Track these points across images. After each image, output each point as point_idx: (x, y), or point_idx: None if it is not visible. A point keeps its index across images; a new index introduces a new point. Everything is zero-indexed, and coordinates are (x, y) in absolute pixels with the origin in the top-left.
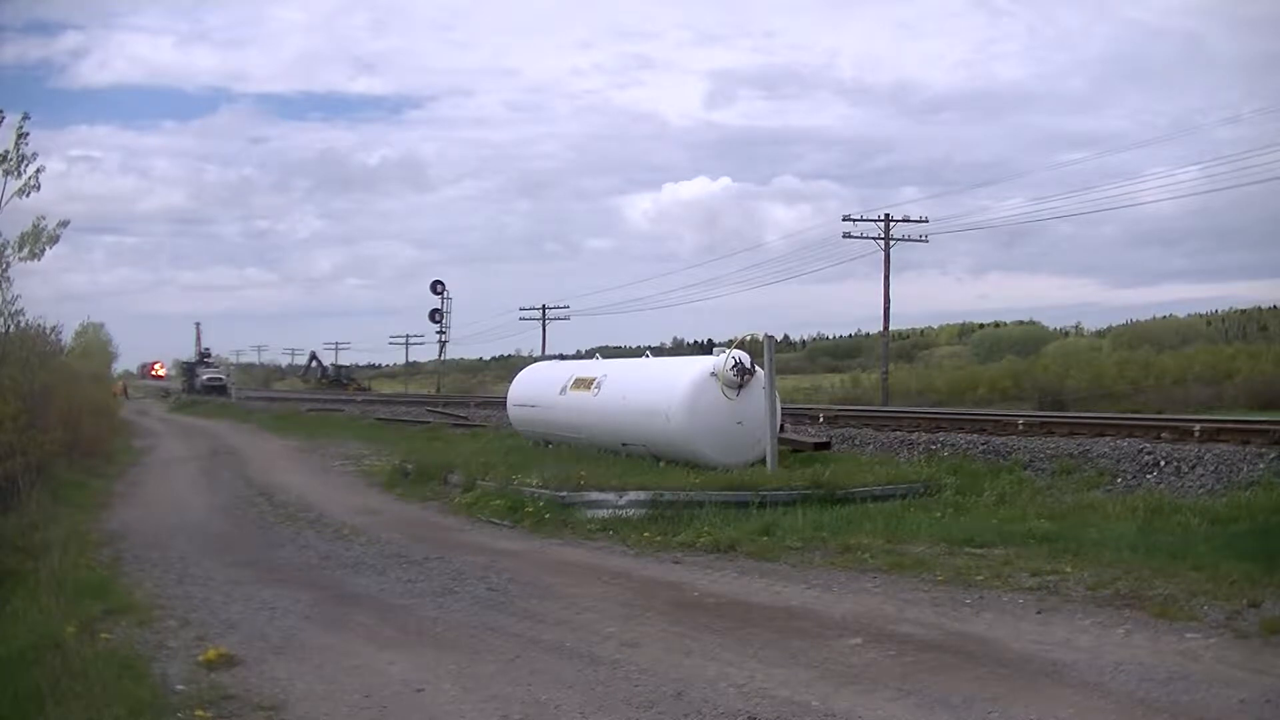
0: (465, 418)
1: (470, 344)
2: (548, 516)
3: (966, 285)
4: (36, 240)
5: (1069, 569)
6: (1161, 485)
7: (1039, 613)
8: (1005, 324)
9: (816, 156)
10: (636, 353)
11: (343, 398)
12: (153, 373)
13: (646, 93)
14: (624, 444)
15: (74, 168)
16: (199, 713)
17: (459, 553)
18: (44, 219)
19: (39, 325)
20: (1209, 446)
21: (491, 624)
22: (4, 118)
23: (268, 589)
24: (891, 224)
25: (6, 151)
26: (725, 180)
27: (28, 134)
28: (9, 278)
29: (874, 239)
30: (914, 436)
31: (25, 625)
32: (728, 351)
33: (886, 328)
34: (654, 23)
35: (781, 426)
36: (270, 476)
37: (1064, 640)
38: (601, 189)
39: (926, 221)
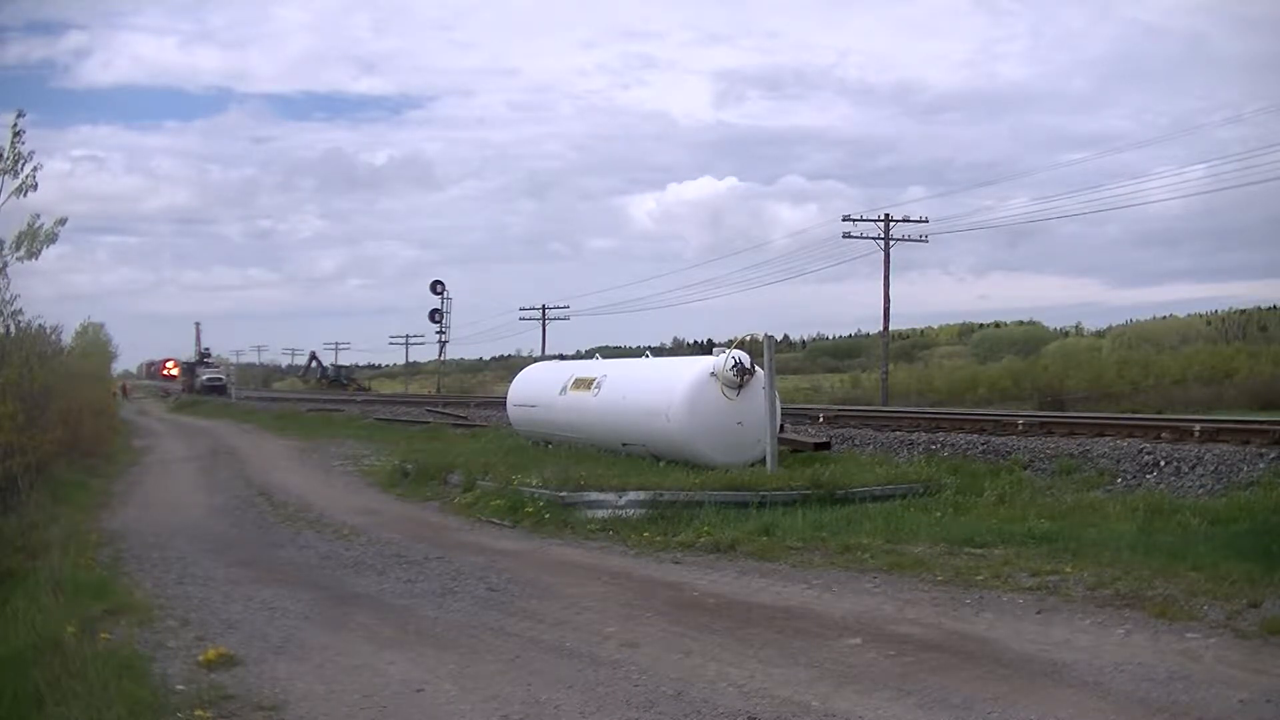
0: (465, 418)
1: (470, 344)
2: (548, 516)
3: (969, 285)
4: (33, 240)
5: (1069, 569)
6: (1161, 485)
7: (1039, 613)
8: (1005, 324)
9: (820, 156)
10: (636, 353)
11: (343, 398)
12: (164, 372)
13: (650, 93)
14: (624, 444)
15: (78, 168)
16: (199, 713)
17: (459, 553)
18: (38, 217)
19: (39, 325)
20: (1209, 446)
21: (491, 624)
22: None
23: (267, 589)
24: (891, 224)
25: (1, 150)
26: (731, 180)
27: (23, 132)
28: (7, 276)
29: (874, 239)
30: (914, 436)
31: (25, 625)
32: (728, 351)
33: (886, 328)
34: (657, 23)
35: (781, 426)
36: (270, 476)
37: (1064, 640)
38: (605, 189)
39: (926, 221)
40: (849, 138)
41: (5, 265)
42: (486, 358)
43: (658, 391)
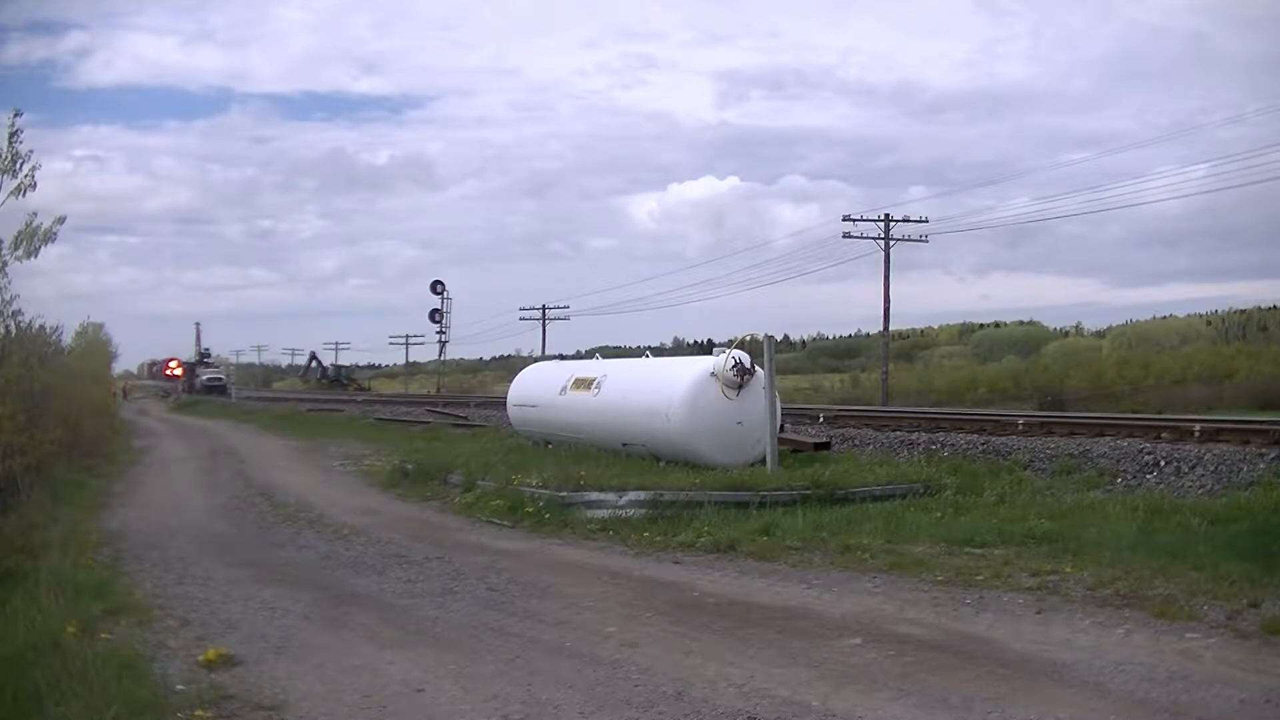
0: (465, 418)
1: (470, 344)
2: (548, 516)
3: (969, 285)
4: (32, 239)
5: (1069, 569)
6: (1161, 485)
7: (1039, 613)
8: (1005, 324)
9: (821, 156)
10: (636, 353)
11: (343, 398)
12: (167, 371)
13: (651, 93)
14: (624, 444)
15: (79, 167)
16: (199, 713)
17: (459, 553)
18: (35, 216)
19: (39, 325)
20: (1209, 446)
21: (491, 624)
22: None
23: (267, 589)
24: (892, 224)
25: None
26: (733, 180)
27: (21, 131)
28: (7, 276)
29: (874, 239)
30: (914, 436)
31: (25, 625)
32: (728, 351)
33: (886, 328)
34: (657, 23)
35: (781, 426)
36: (270, 476)
37: (1064, 640)
38: (605, 189)
39: (927, 221)
40: (850, 137)
41: (5, 265)
42: (486, 358)
43: (658, 391)
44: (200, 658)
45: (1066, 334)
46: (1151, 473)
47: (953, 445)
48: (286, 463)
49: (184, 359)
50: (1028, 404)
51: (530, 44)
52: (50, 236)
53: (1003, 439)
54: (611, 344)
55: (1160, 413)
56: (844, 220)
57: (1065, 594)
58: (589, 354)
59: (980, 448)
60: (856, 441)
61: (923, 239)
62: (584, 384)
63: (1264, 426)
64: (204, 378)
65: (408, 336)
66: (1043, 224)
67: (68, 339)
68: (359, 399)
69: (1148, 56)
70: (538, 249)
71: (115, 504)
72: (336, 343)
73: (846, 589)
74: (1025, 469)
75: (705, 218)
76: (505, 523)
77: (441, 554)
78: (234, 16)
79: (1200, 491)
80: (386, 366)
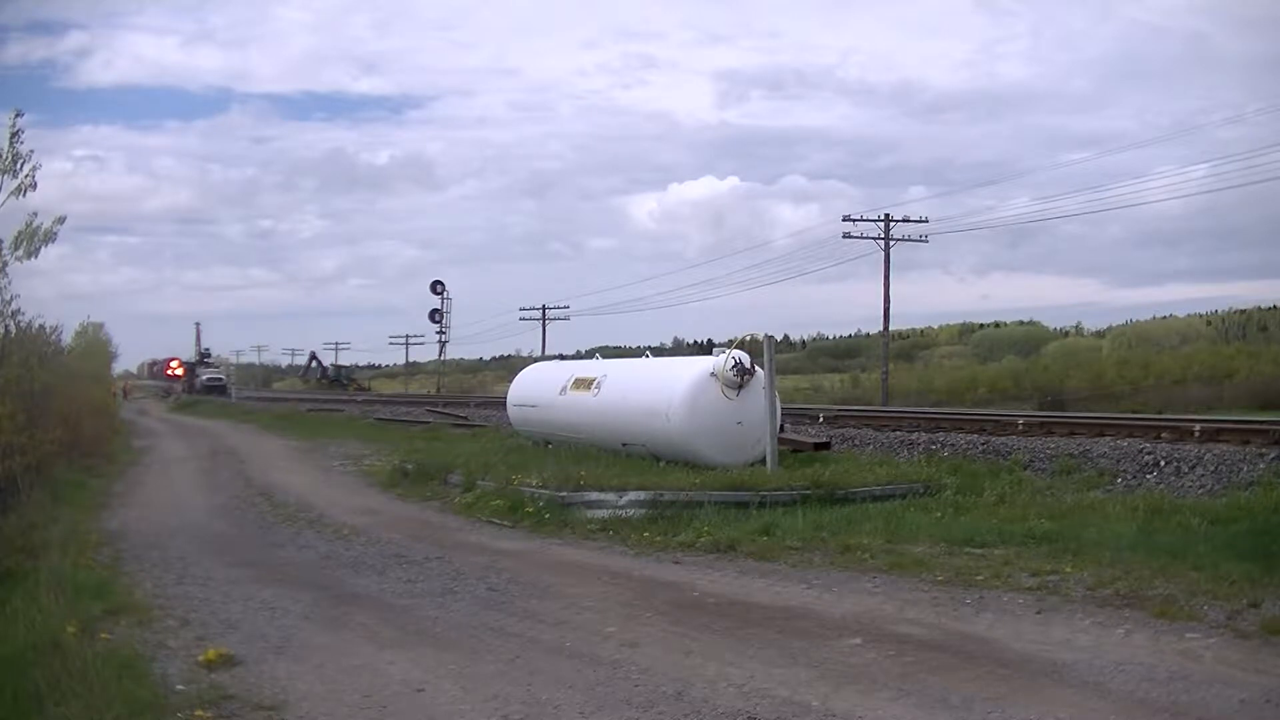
0: (465, 418)
1: (470, 344)
2: (548, 516)
3: (969, 285)
4: (32, 239)
5: (1069, 569)
6: (1161, 485)
7: (1039, 613)
8: (1005, 324)
9: (821, 156)
10: (636, 353)
11: (343, 398)
12: (169, 371)
13: (651, 93)
14: (624, 444)
15: (79, 168)
16: (199, 713)
17: (459, 553)
18: (35, 216)
19: (39, 325)
20: (1209, 446)
21: (491, 624)
22: None
23: (267, 589)
24: (892, 224)
25: (0, 149)
26: (733, 180)
27: (21, 131)
28: (7, 276)
29: (874, 239)
30: (914, 436)
31: (25, 625)
32: (728, 351)
33: (886, 328)
34: (657, 23)
35: (781, 426)
36: (270, 476)
37: (1064, 640)
38: (605, 189)
39: (927, 221)
40: (850, 137)
41: (5, 265)
42: (486, 358)
43: (658, 391)
44: (200, 658)
45: (1066, 334)
46: (1151, 473)
47: (953, 445)
48: (286, 463)
49: (184, 359)
50: (1028, 404)
51: (530, 44)
52: (50, 236)
53: (1003, 439)
54: (611, 344)
55: (1160, 413)
56: (844, 220)
57: (1065, 594)
58: (589, 354)
59: (980, 448)
60: (856, 441)
61: (923, 239)
62: (584, 384)
63: (1264, 426)
64: (204, 378)
65: (408, 336)
66: (1043, 224)
67: (68, 339)
68: (359, 399)
69: (1148, 56)
70: (538, 249)
71: (115, 504)
72: (336, 343)
73: (846, 589)
74: (1025, 469)
75: (705, 218)
76: (505, 523)
77: (441, 554)
78: (234, 16)
79: (1200, 491)
80: (386, 366)
